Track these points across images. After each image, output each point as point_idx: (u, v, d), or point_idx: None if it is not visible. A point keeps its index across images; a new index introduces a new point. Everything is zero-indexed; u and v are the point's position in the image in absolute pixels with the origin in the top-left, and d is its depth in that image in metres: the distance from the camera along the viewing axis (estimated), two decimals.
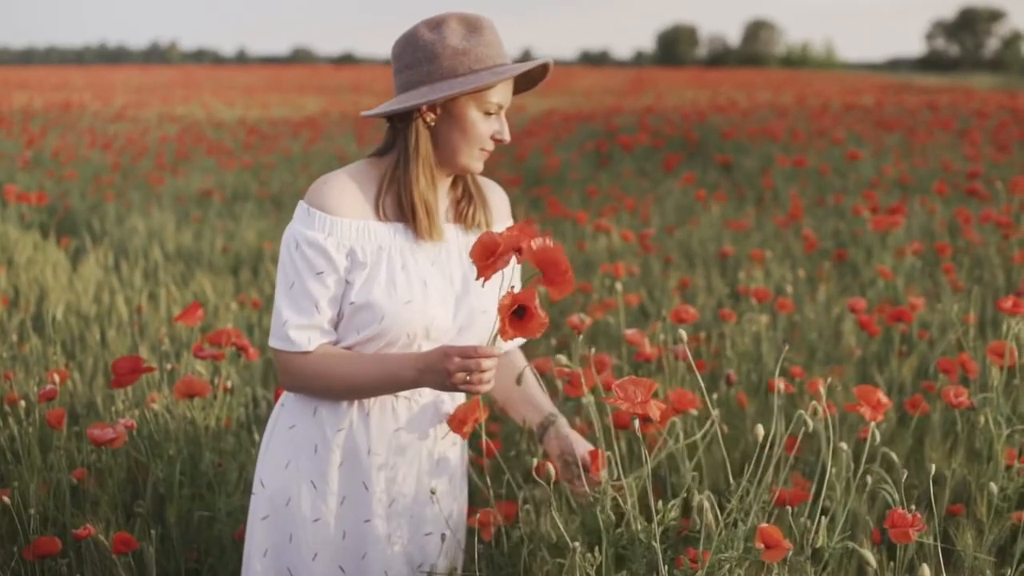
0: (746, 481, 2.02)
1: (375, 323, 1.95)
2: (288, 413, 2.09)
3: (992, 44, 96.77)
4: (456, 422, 2.05)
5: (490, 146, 2.01)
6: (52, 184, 8.98)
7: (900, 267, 5.05)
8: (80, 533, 2.37)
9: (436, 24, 1.94)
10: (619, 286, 3.49)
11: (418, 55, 1.94)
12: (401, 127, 1.99)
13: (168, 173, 9.81)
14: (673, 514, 1.94)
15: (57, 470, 2.74)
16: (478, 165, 2.03)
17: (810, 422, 2.04)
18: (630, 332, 3.00)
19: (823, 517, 2.03)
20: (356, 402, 2.03)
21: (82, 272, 5.56)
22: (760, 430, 1.87)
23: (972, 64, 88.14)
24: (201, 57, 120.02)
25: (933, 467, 2.04)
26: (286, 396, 2.12)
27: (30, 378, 3.55)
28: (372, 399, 2.03)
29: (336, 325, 2.00)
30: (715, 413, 1.99)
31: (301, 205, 1.98)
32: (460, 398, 2.14)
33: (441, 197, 2.07)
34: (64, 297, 5.06)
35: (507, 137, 2.02)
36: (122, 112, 17.57)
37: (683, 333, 2.19)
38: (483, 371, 1.83)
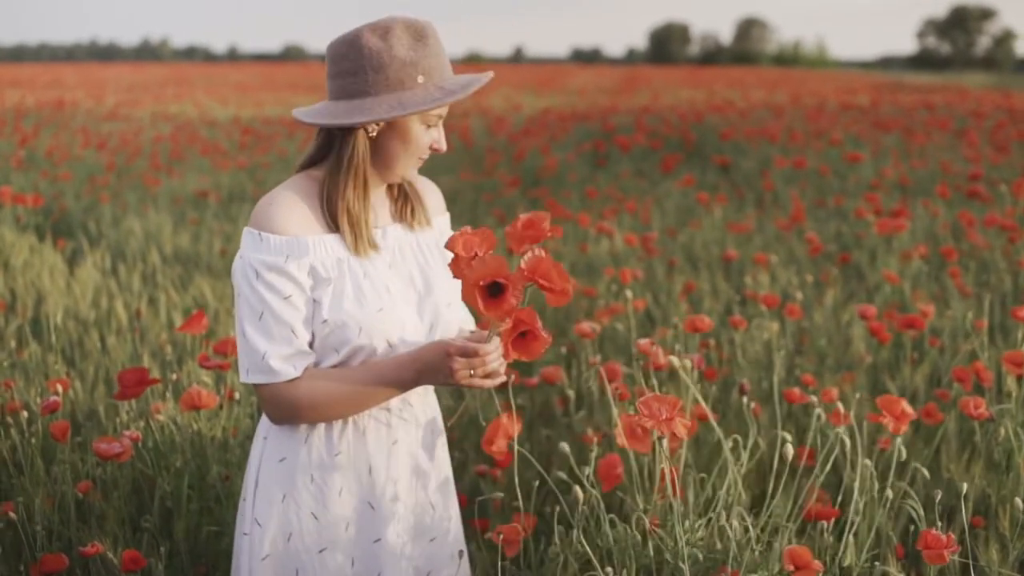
0: (773, 499, 1.99)
1: (353, 338, 1.90)
2: (275, 446, 2.00)
3: (983, 42, 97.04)
4: (486, 442, 2.01)
5: (427, 155, 1.98)
6: (46, 184, 8.91)
7: (906, 271, 5.02)
8: (88, 551, 2.32)
9: (383, 31, 1.87)
10: (629, 293, 3.45)
11: (362, 62, 1.87)
12: (338, 135, 1.93)
13: (163, 174, 9.74)
14: (700, 533, 1.90)
15: (61, 483, 2.68)
16: (414, 173, 2.00)
17: (846, 440, 2.01)
18: (642, 342, 2.95)
19: (851, 536, 1.99)
20: (351, 423, 1.98)
21: (79, 276, 5.50)
22: (789, 449, 1.83)
23: (964, 62, 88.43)
24: (193, 54, 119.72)
25: (965, 485, 1.99)
26: (268, 429, 2.02)
27: (31, 386, 3.50)
28: (366, 417, 1.98)
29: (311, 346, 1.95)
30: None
31: (250, 232, 1.90)
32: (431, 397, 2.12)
33: (380, 202, 2.04)
34: (62, 302, 4.99)
35: (444, 146, 1.99)
36: (115, 111, 17.48)
37: (688, 363, 2.16)
38: (487, 367, 1.82)
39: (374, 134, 1.91)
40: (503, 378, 1.86)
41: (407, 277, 2.00)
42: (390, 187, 2.07)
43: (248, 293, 1.88)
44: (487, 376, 1.85)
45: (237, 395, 2.93)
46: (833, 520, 2.28)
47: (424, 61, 1.88)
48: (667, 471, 1.93)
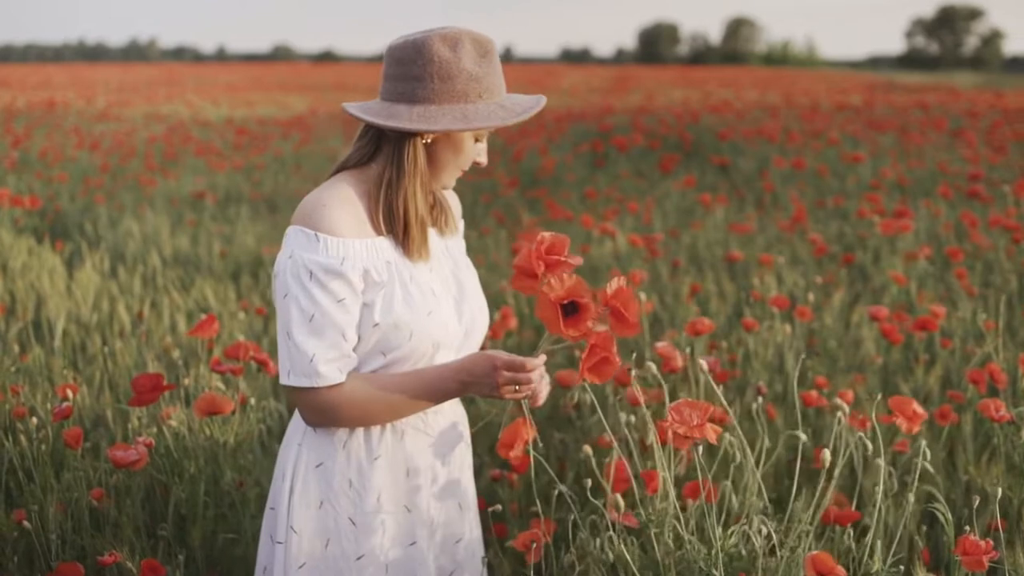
0: (793, 503, 1.97)
1: (405, 342, 1.90)
2: (312, 451, 1.98)
3: (971, 42, 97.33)
4: (503, 448, 1.99)
5: (469, 167, 2.02)
6: (40, 186, 8.86)
7: (911, 272, 5.01)
8: (106, 560, 2.29)
9: (453, 42, 1.88)
10: (643, 295, 3.43)
11: (430, 70, 1.87)
12: (395, 139, 1.92)
13: (158, 174, 9.69)
14: (733, 540, 1.88)
15: (75, 490, 2.65)
16: (453, 183, 2.03)
17: (868, 444, 1.99)
18: (660, 345, 2.93)
19: (878, 540, 1.97)
20: (389, 427, 1.97)
21: (79, 278, 5.46)
22: (827, 454, 1.80)
23: (952, 62, 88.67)
24: (181, 55, 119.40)
25: (1000, 490, 1.97)
26: (305, 435, 2.00)
27: (37, 391, 3.46)
28: (403, 421, 1.98)
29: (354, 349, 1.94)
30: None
31: (303, 231, 1.87)
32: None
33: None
34: (63, 305, 4.95)
35: (485, 161, 2.04)
36: (106, 111, 17.40)
37: (703, 363, 2.14)
38: (531, 383, 1.85)
39: (428, 141, 1.93)
40: (544, 398, 1.91)
41: (444, 281, 2.01)
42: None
43: (299, 294, 1.85)
44: (532, 392, 1.88)
45: (252, 400, 2.89)
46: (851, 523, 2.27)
47: (487, 78, 1.90)
48: (700, 476, 1.91)
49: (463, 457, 2.13)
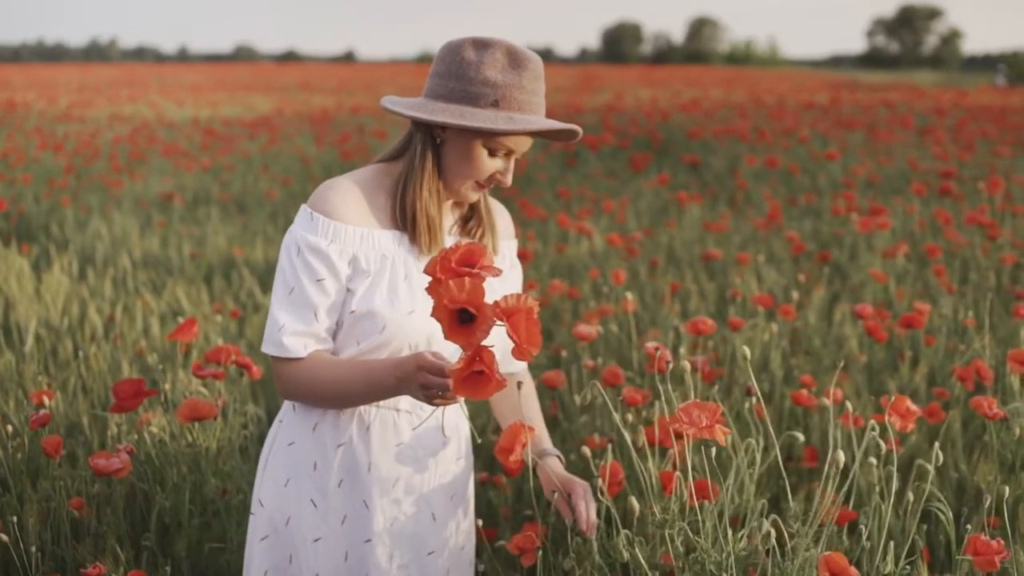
0: (797, 503, 1.94)
1: (376, 333, 1.89)
2: (287, 429, 2.02)
3: (931, 41, 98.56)
4: (502, 452, 1.93)
5: (488, 182, 1.93)
6: (2, 187, 8.69)
7: (889, 269, 5.02)
8: (90, 572, 2.22)
9: (482, 46, 1.87)
10: (629, 295, 3.39)
11: (452, 68, 1.87)
12: (416, 134, 1.93)
13: (125, 175, 9.55)
14: (743, 543, 1.85)
15: (54, 500, 2.57)
16: (471, 196, 1.96)
17: (881, 443, 1.97)
18: (649, 345, 2.89)
19: (891, 542, 1.95)
20: (356, 416, 1.96)
21: (48, 281, 5.34)
22: (841, 456, 1.77)
23: (912, 61, 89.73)
24: (142, 55, 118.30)
25: (1007, 488, 1.96)
26: (285, 412, 2.04)
27: (9, 398, 3.37)
28: (373, 413, 1.96)
29: (335, 335, 1.94)
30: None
31: (304, 209, 1.92)
32: (455, 410, 2.08)
33: (446, 212, 2.03)
34: (32, 308, 4.84)
35: (507, 181, 1.93)
36: (69, 112, 17.16)
37: (687, 364, 2.11)
38: (449, 389, 1.68)
39: (439, 141, 1.91)
40: (455, 401, 1.74)
41: None
42: (461, 204, 2.05)
43: (287, 266, 1.90)
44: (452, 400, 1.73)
45: (235, 405, 2.82)
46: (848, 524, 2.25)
47: (508, 90, 1.85)
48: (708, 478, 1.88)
49: (447, 466, 2.05)
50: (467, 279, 1.59)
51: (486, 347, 1.57)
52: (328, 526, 1.96)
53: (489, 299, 1.84)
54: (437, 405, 1.74)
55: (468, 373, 1.58)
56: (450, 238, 2.02)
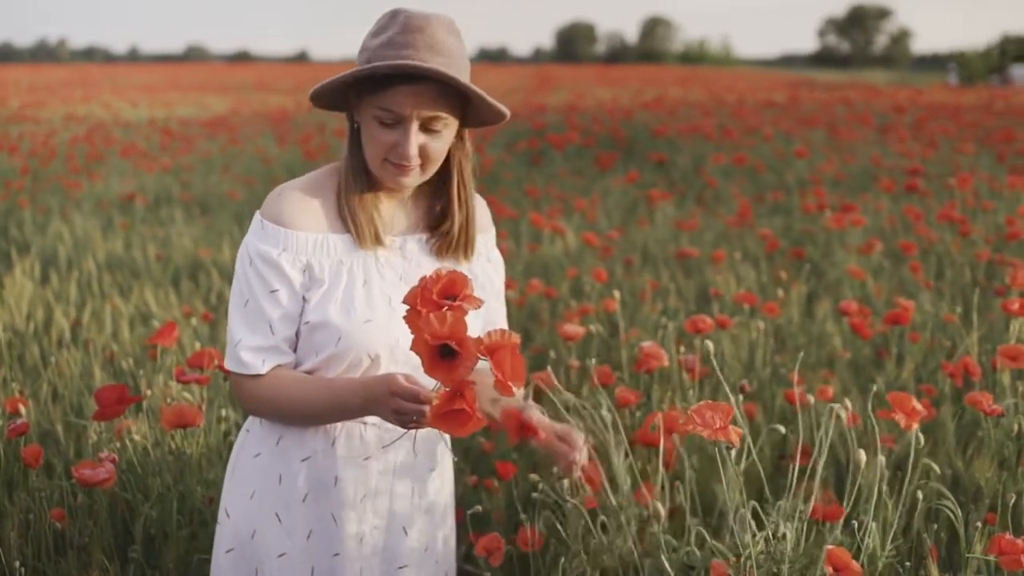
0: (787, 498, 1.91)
1: (331, 344, 1.79)
2: (253, 440, 1.94)
3: (881, 40, 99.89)
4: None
5: (394, 159, 1.77)
6: None
7: (865, 266, 5.03)
8: None
9: (392, 14, 1.78)
10: (616, 293, 3.35)
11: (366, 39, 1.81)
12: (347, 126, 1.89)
13: (83, 176, 9.36)
14: (760, 547, 1.81)
15: (36, 512, 2.47)
16: (392, 180, 1.81)
17: (900, 444, 1.94)
18: (646, 345, 2.85)
19: (887, 536, 1.92)
20: (321, 430, 1.86)
21: (9, 285, 5.20)
22: (862, 455, 1.74)
23: (863, 60, 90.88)
24: (92, 55, 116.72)
25: (1012, 495, 1.93)
26: (251, 421, 1.96)
27: None
28: (339, 427, 1.87)
29: (295, 346, 1.85)
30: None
31: (256, 217, 1.83)
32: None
33: (402, 209, 1.91)
34: None
35: (406, 154, 1.76)
36: (21, 112, 16.84)
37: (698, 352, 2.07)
38: (425, 416, 1.60)
39: (356, 127, 1.84)
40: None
41: None
42: (424, 197, 1.93)
43: (241, 277, 1.83)
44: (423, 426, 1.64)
45: (222, 411, 2.74)
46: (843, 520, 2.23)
47: (379, 49, 1.73)
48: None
49: (417, 481, 1.95)
50: (448, 312, 1.51)
51: (468, 383, 1.49)
52: (293, 541, 1.88)
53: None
54: (410, 429, 1.66)
55: (447, 410, 1.51)
56: (416, 236, 1.91)
